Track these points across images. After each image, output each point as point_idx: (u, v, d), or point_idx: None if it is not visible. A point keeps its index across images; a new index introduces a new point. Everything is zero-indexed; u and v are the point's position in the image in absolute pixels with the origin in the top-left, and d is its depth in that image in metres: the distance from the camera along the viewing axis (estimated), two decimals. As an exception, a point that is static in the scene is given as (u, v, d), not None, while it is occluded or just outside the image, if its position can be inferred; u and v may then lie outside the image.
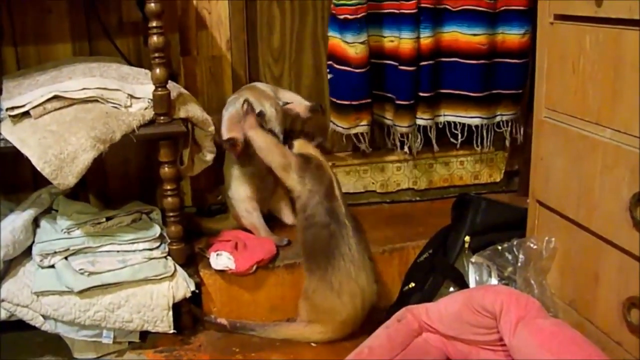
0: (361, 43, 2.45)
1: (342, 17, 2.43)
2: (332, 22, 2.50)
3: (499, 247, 2.06)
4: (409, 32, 2.45)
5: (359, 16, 2.42)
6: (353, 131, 2.61)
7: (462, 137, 2.69)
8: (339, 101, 2.57)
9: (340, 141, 2.71)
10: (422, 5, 2.46)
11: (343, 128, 2.60)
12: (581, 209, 1.78)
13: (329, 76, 2.58)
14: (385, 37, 2.57)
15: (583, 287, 1.81)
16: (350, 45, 2.46)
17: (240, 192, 2.42)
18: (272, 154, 2.21)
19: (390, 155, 2.77)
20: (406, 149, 2.69)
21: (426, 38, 2.51)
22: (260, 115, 2.26)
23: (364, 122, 2.60)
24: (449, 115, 2.67)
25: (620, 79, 1.59)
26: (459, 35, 2.55)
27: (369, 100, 2.58)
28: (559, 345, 1.55)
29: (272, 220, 2.51)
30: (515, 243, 2.03)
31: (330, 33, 2.52)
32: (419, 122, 2.63)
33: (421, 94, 2.58)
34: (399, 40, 2.49)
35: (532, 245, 1.97)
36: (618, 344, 1.66)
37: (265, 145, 2.21)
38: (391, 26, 2.53)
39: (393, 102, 2.60)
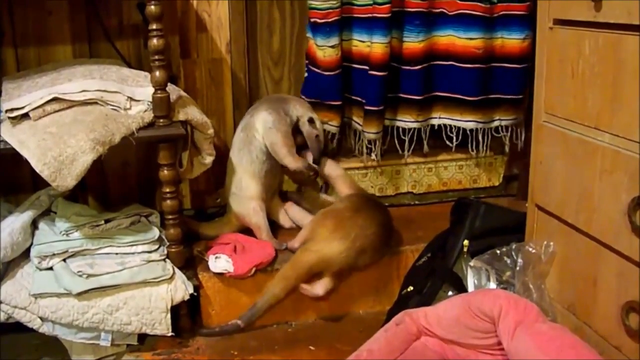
0: (331, 47, 2.48)
1: (312, 20, 2.47)
2: (308, 24, 2.54)
3: (498, 251, 2.06)
4: (380, 37, 2.44)
5: (329, 20, 2.45)
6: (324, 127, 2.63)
7: (456, 140, 2.69)
8: (308, 99, 2.60)
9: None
10: (415, 9, 2.48)
11: None
12: (580, 214, 1.78)
13: (306, 75, 2.62)
14: (362, 41, 2.56)
15: (582, 292, 1.81)
16: (320, 48, 2.49)
17: (251, 189, 2.41)
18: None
19: (389, 159, 2.77)
20: (373, 156, 2.68)
21: (420, 42, 2.51)
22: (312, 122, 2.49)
23: (333, 123, 2.62)
24: (444, 118, 2.67)
25: (620, 83, 1.60)
26: (455, 39, 2.55)
27: (338, 103, 2.59)
28: (557, 349, 1.55)
29: (270, 224, 2.51)
30: (514, 247, 2.03)
31: (308, 34, 2.56)
32: (412, 124, 2.63)
33: (412, 97, 2.58)
34: (371, 45, 2.49)
35: (530, 249, 1.97)
36: (617, 348, 1.66)
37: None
38: (367, 30, 2.52)
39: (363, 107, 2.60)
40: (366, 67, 2.54)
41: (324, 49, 2.48)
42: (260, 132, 2.40)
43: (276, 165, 2.45)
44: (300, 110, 2.47)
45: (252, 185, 2.41)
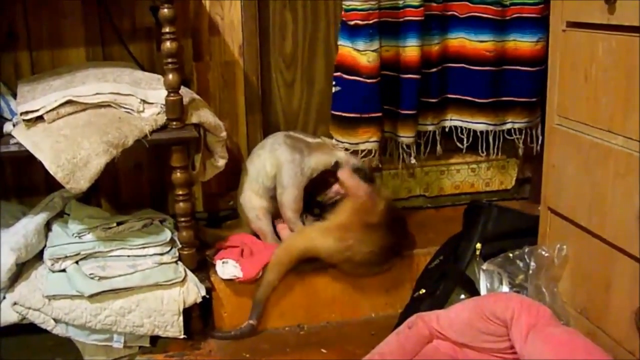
0: (373, 51, 2.36)
1: (352, 23, 2.34)
2: (343, 29, 2.39)
3: (510, 255, 2.05)
4: (415, 40, 2.42)
5: (370, 22, 2.33)
6: (361, 147, 2.48)
7: (467, 142, 2.68)
8: (345, 114, 2.45)
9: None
10: (433, 12, 2.47)
11: (350, 144, 2.47)
12: (593, 217, 1.77)
13: (335, 89, 2.46)
14: (382, 46, 2.49)
15: (595, 295, 1.80)
16: (362, 54, 2.36)
17: (253, 202, 2.42)
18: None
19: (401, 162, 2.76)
20: (412, 159, 2.63)
21: (435, 45, 2.51)
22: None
23: (374, 138, 2.47)
24: (455, 119, 2.66)
25: (633, 86, 1.59)
26: (465, 41, 2.55)
27: (379, 115, 2.47)
28: (570, 353, 1.54)
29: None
30: (526, 250, 2.02)
31: (341, 42, 2.41)
32: (429, 127, 2.62)
33: (430, 100, 2.57)
34: (403, 49, 2.46)
35: (543, 252, 1.96)
36: (630, 352, 1.65)
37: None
38: (394, 35, 2.48)
39: (392, 113, 2.56)
40: (392, 73, 2.51)
41: (367, 54, 2.35)
42: (272, 171, 2.38)
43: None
44: (321, 163, 2.39)
45: (253, 198, 2.42)
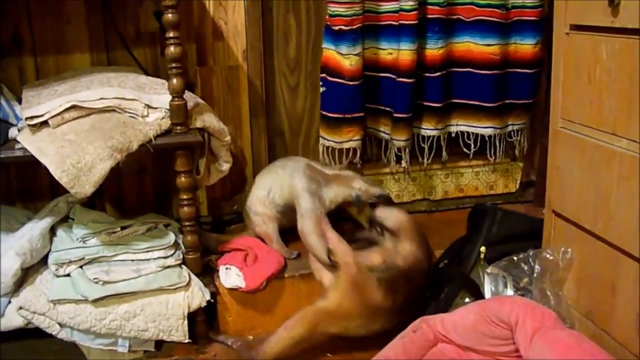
0: (356, 55, 2.44)
1: (336, 28, 2.42)
2: (327, 33, 2.48)
3: (515, 258, 2.05)
4: (408, 44, 2.44)
5: (354, 27, 2.41)
6: (346, 145, 2.58)
7: (475, 147, 2.69)
8: (330, 114, 2.54)
9: (332, 156, 2.63)
10: (434, 16, 2.47)
11: (335, 142, 2.58)
12: (598, 220, 1.77)
13: (322, 89, 2.56)
14: (383, 49, 2.55)
15: (600, 298, 1.80)
16: (345, 57, 2.44)
17: (257, 207, 2.42)
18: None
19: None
20: (403, 163, 2.67)
21: (439, 49, 2.51)
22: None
23: (357, 137, 2.57)
24: (461, 125, 2.67)
25: (636, 89, 1.59)
26: (472, 45, 2.56)
27: (361, 114, 2.55)
28: (575, 357, 1.54)
29: (290, 231, 2.48)
30: (531, 254, 2.02)
31: (325, 45, 2.51)
32: (432, 132, 2.62)
33: (434, 105, 2.58)
34: (398, 52, 2.48)
35: (548, 255, 1.96)
36: (635, 356, 1.65)
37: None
38: (390, 38, 2.51)
39: (390, 115, 2.58)
40: (391, 75, 2.53)
41: (350, 58, 2.43)
42: (288, 195, 2.36)
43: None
44: (340, 195, 2.33)
45: (259, 205, 2.41)
